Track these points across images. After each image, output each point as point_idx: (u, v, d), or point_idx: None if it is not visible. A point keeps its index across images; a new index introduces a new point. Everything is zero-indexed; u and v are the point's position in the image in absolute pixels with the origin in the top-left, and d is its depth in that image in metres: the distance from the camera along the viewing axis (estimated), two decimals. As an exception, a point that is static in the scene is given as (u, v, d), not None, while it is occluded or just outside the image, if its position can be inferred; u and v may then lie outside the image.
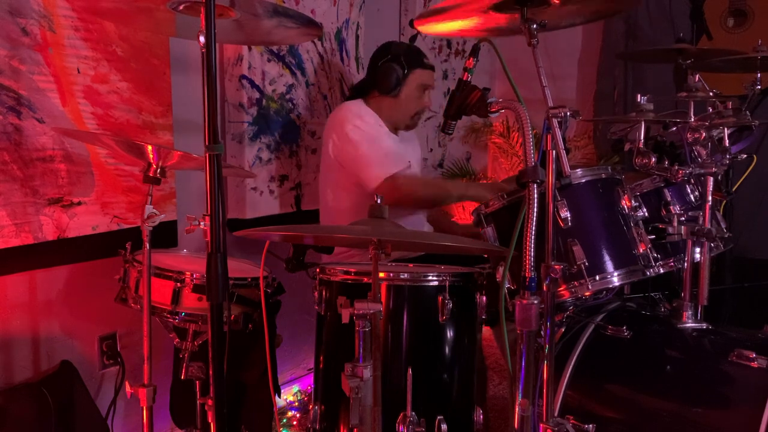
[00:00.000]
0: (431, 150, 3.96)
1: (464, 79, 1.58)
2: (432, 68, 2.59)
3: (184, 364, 1.94)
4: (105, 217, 2.30)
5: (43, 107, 2.10)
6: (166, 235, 2.44)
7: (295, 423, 2.78)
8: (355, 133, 2.50)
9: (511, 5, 1.56)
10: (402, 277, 1.79)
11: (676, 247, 1.89)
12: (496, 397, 2.98)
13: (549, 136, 1.46)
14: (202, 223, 1.42)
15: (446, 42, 4.00)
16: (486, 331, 3.50)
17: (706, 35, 3.21)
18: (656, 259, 1.84)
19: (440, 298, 1.74)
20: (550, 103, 1.50)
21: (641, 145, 1.88)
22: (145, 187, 1.86)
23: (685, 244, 1.87)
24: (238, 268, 2.10)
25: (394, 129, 2.64)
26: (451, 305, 1.74)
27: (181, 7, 1.51)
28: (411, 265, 2.12)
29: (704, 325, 1.92)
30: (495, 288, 1.78)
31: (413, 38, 3.53)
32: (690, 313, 1.92)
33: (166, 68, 2.44)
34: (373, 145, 2.49)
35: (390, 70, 2.53)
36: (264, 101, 2.81)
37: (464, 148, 4.30)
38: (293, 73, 2.94)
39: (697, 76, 1.97)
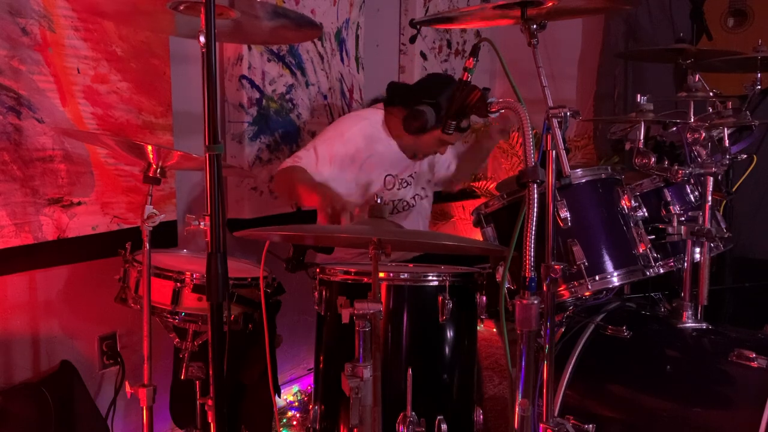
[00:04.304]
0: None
1: (464, 79, 1.58)
2: (462, 131, 2.33)
3: (184, 364, 1.94)
4: (105, 217, 2.30)
5: (43, 107, 2.10)
6: (166, 235, 2.44)
7: (295, 423, 2.78)
8: (326, 131, 2.48)
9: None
10: (402, 277, 1.79)
11: (676, 247, 1.89)
12: (496, 397, 2.98)
13: (549, 136, 1.47)
14: (202, 223, 1.42)
15: (446, 42, 4.00)
16: (486, 331, 3.50)
17: (706, 35, 3.21)
18: (656, 259, 1.84)
19: (440, 298, 1.74)
20: (550, 103, 1.50)
21: (641, 145, 1.88)
22: (145, 187, 1.86)
23: (685, 244, 1.88)
24: (238, 268, 2.10)
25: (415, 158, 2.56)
26: (451, 305, 1.74)
27: (181, 7, 1.51)
28: (411, 265, 2.11)
29: (704, 325, 1.92)
30: (495, 288, 1.78)
31: (413, 38, 3.53)
32: (690, 313, 1.92)
33: (166, 68, 2.44)
34: (319, 142, 2.42)
35: (421, 116, 2.36)
36: (264, 101, 2.81)
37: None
38: (293, 73, 2.94)
39: (697, 76, 1.98)
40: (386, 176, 2.51)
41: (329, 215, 2.00)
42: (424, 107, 2.37)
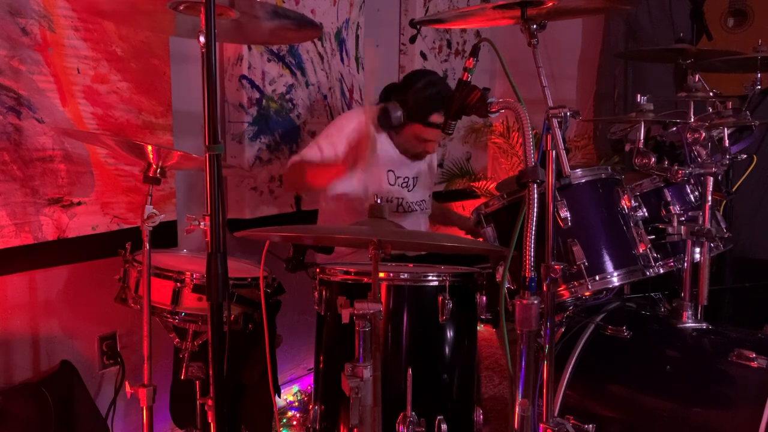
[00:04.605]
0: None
1: (464, 79, 1.58)
2: (439, 128, 2.24)
3: (184, 364, 1.94)
4: (105, 217, 2.30)
5: (43, 107, 2.10)
6: (166, 235, 2.44)
7: (295, 423, 2.78)
8: (328, 128, 2.51)
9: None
10: (402, 277, 1.79)
11: (676, 247, 1.89)
12: (496, 397, 2.98)
13: (549, 136, 1.47)
14: (202, 223, 1.42)
15: (446, 42, 4.00)
16: (486, 331, 3.50)
17: (706, 35, 3.21)
18: (656, 259, 1.84)
19: (440, 298, 1.74)
20: (550, 103, 1.50)
21: (641, 145, 1.88)
22: (145, 187, 1.86)
23: (685, 244, 1.88)
24: (238, 268, 2.10)
25: (408, 157, 2.58)
26: (451, 305, 1.74)
27: (181, 7, 1.51)
28: (411, 265, 2.12)
29: (704, 325, 1.92)
30: (495, 288, 1.78)
31: (413, 38, 3.54)
32: (690, 313, 1.92)
33: (166, 68, 2.44)
34: (322, 137, 2.46)
35: (389, 113, 2.41)
36: (264, 101, 2.81)
37: (464, 148, 4.30)
38: (293, 73, 2.94)
39: (697, 76, 1.97)
40: (388, 171, 2.53)
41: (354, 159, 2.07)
42: (390, 104, 2.42)
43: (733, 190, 2.60)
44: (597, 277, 1.76)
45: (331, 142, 2.41)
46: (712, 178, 1.89)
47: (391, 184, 2.54)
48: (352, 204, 2.49)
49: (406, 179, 2.61)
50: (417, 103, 2.41)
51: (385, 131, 2.52)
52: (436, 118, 2.39)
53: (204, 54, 1.34)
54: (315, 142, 2.45)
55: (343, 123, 2.49)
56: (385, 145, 2.53)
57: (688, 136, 1.90)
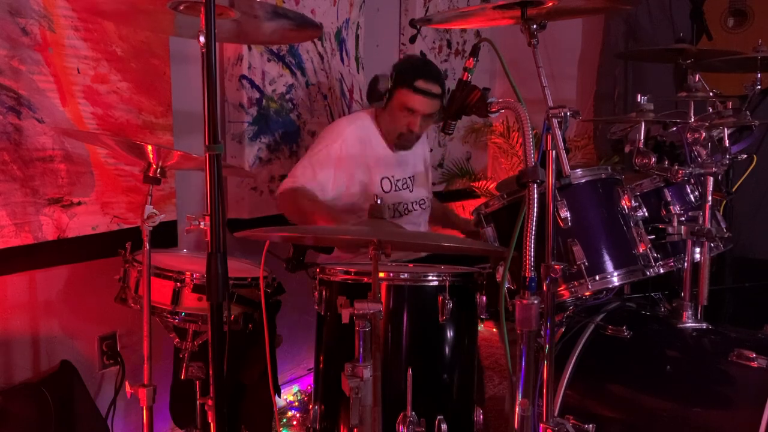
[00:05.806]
0: (431, 150, 3.95)
1: (464, 79, 1.58)
2: (425, 93, 2.41)
3: (184, 364, 1.94)
4: (105, 217, 2.30)
5: (43, 107, 2.10)
6: (166, 235, 2.44)
7: (295, 423, 2.78)
8: (320, 137, 2.52)
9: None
10: (402, 277, 1.79)
11: (676, 247, 1.89)
12: (496, 397, 2.98)
13: (549, 136, 1.47)
14: (202, 223, 1.42)
15: (446, 42, 4.00)
16: (486, 331, 3.50)
17: (706, 35, 3.21)
18: (656, 259, 1.84)
19: (440, 298, 1.74)
20: (550, 103, 1.50)
21: (641, 145, 1.88)
22: (145, 187, 1.86)
23: (685, 244, 1.88)
24: (238, 268, 2.10)
25: (394, 144, 2.57)
26: (451, 305, 1.74)
27: (181, 7, 1.51)
28: (411, 265, 2.12)
29: (704, 325, 1.92)
30: (495, 288, 1.78)
31: (413, 38, 3.54)
32: (690, 313, 1.92)
33: (166, 68, 2.44)
34: (314, 151, 2.46)
35: (377, 81, 2.48)
36: (264, 101, 2.81)
37: (464, 148, 4.30)
38: (293, 73, 2.94)
39: (697, 76, 1.97)
40: (382, 179, 2.52)
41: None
42: (381, 75, 2.49)
43: (733, 190, 2.60)
44: (597, 277, 1.76)
45: (324, 151, 2.42)
46: (712, 178, 1.89)
47: (386, 192, 2.53)
48: (348, 209, 2.49)
49: (405, 181, 2.60)
50: (404, 68, 2.48)
51: (373, 104, 2.54)
52: (422, 84, 2.41)
53: (204, 54, 1.34)
54: (306, 157, 2.45)
55: (339, 129, 2.51)
56: (375, 146, 2.52)
57: (688, 136, 1.90)
